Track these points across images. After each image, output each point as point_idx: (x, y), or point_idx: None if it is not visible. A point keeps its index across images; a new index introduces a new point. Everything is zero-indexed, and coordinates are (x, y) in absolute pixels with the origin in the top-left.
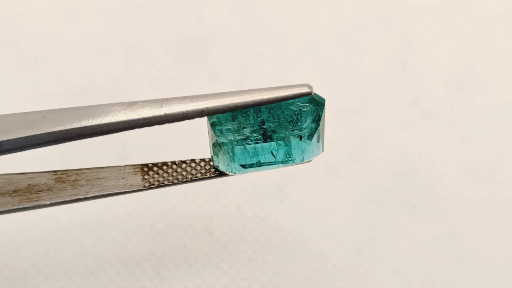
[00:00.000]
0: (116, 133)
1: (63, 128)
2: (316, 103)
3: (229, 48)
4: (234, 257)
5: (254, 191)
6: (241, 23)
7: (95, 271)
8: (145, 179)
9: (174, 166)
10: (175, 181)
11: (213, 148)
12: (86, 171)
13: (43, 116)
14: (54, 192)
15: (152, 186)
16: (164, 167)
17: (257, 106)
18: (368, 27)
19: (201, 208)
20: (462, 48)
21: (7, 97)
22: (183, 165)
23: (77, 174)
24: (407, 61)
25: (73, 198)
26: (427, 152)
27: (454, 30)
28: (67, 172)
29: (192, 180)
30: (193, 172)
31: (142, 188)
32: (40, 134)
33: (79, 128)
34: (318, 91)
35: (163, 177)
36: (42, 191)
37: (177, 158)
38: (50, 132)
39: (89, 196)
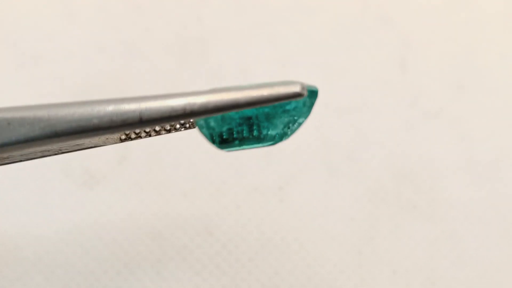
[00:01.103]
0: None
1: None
2: (310, 94)
3: (229, 48)
4: (234, 257)
5: (254, 191)
6: (241, 23)
7: (95, 271)
8: None
9: None
10: (153, 133)
11: None
12: None
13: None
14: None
15: (128, 138)
16: None
17: (243, 108)
18: (368, 27)
19: (201, 208)
20: (462, 48)
21: (7, 97)
22: None
23: None
24: (407, 61)
25: (45, 154)
26: (427, 152)
27: (454, 30)
28: None
29: (169, 131)
30: (172, 122)
31: (118, 140)
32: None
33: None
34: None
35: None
36: None
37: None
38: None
39: (62, 151)
